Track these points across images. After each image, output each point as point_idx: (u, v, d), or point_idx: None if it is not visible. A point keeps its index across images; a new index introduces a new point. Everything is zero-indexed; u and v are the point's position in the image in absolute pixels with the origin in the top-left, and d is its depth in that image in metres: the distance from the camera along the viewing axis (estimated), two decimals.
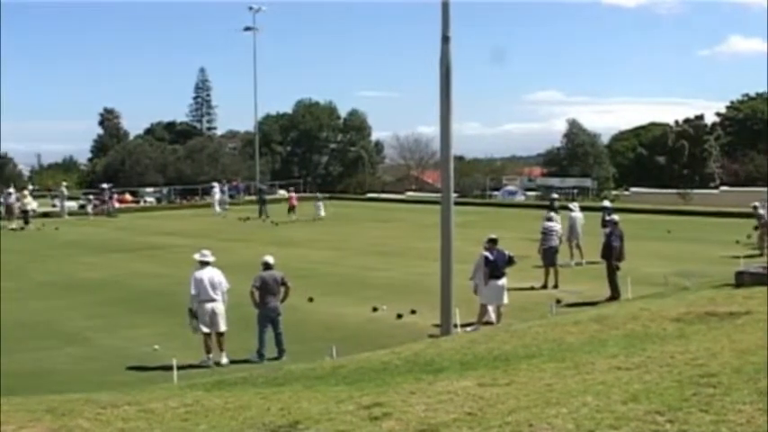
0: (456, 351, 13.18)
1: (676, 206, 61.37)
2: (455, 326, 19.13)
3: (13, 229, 51.29)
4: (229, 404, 9.42)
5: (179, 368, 15.96)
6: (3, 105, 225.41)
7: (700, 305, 16.10)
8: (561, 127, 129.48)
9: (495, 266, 21.26)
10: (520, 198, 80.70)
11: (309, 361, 15.07)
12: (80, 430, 8.40)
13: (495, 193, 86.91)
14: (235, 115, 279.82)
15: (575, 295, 24.93)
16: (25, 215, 53.03)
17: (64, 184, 71.19)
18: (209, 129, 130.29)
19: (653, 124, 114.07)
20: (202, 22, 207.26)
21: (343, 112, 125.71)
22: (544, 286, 26.61)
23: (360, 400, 8.52)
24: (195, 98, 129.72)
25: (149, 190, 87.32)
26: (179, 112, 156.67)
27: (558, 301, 23.29)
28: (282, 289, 19.10)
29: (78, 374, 17.38)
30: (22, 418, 9.01)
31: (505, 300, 21.49)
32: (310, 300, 24.34)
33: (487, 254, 21.38)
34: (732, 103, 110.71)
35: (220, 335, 18.40)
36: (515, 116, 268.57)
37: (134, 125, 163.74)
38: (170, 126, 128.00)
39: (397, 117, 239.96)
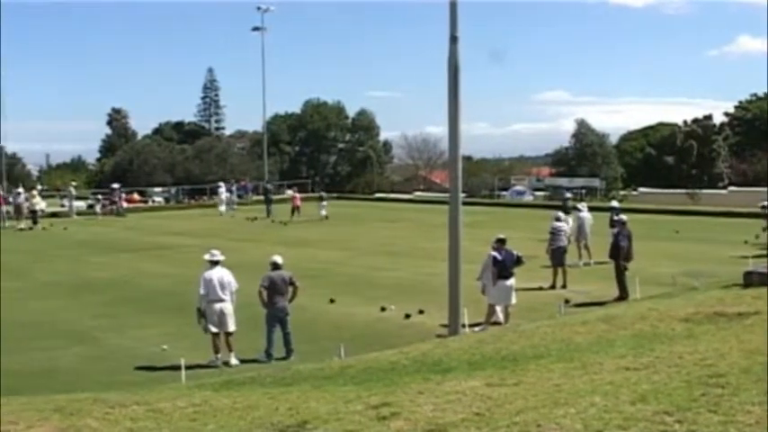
0: (464, 351, 13.17)
1: (685, 206, 61.21)
2: (463, 326, 19.11)
3: (21, 229, 51.41)
4: (238, 404, 9.43)
5: (187, 368, 15.99)
6: (11, 105, 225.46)
7: (708, 305, 16.07)
8: (569, 127, 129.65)
9: (504, 266, 21.26)
10: (528, 198, 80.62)
11: (318, 361, 15.06)
12: (88, 430, 8.41)
13: (504, 193, 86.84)
14: (243, 115, 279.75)
15: (583, 295, 24.92)
16: (34, 215, 53.12)
17: (72, 183, 71.29)
18: (217, 129, 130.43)
19: (661, 124, 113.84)
20: (211, 22, 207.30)
21: (351, 111, 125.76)
22: (552, 286, 26.60)
23: (368, 400, 8.52)
24: (203, 98, 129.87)
25: (158, 190, 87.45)
26: (187, 112, 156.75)
27: (567, 302, 23.27)
28: (291, 289, 19.11)
29: (86, 374, 17.41)
30: (31, 418, 9.02)
31: (514, 300, 21.49)
32: (332, 301, 24.38)
33: (496, 254, 21.39)
34: (740, 102, 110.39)
35: (229, 335, 18.41)
36: (523, 116, 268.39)
37: (142, 125, 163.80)
38: (178, 126, 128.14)
39: (406, 117, 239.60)
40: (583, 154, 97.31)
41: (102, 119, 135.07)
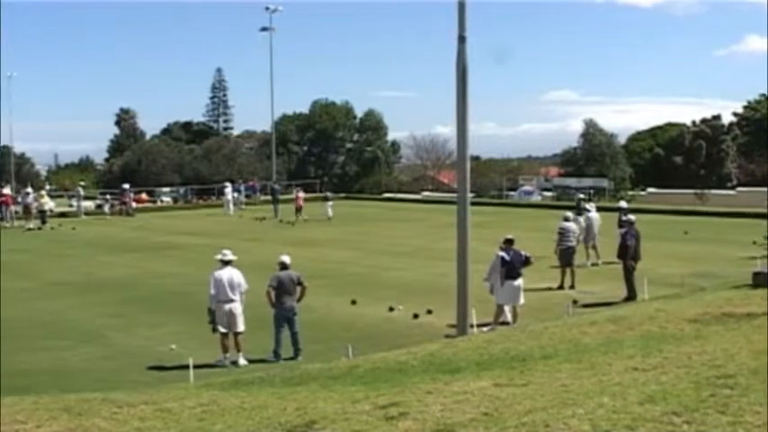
0: (472, 351, 13.17)
1: (693, 206, 61.08)
2: (471, 326, 19.11)
3: (30, 229, 51.46)
4: (246, 404, 9.43)
5: (195, 368, 15.98)
6: (20, 106, 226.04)
7: (717, 306, 16.06)
8: (577, 127, 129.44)
9: (512, 267, 21.26)
10: (536, 198, 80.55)
11: (326, 361, 15.07)
12: (96, 429, 8.42)
13: (512, 193, 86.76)
14: (251, 115, 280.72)
15: (591, 296, 24.89)
16: (42, 215, 53.17)
17: (81, 183, 71.39)
18: (225, 129, 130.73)
19: (669, 124, 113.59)
20: (219, 22, 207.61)
21: (359, 111, 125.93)
22: (560, 287, 26.58)
23: (376, 400, 8.52)
24: (212, 98, 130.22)
25: (166, 189, 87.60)
26: (196, 112, 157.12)
27: (575, 302, 23.26)
28: (299, 289, 19.12)
29: (95, 373, 17.44)
30: (40, 417, 9.03)
31: (522, 300, 21.48)
32: (353, 302, 24.30)
33: (504, 254, 21.39)
34: (749, 102, 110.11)
35: (238, 335, 18.42)
36: (532, 116, 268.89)
37: (151, 125, 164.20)
38: (187, 126, 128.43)
39: (414, 117, 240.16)
40: (591, 154, 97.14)
41: (111, 119, 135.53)
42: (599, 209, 34.89)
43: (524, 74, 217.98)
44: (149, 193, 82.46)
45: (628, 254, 24.53)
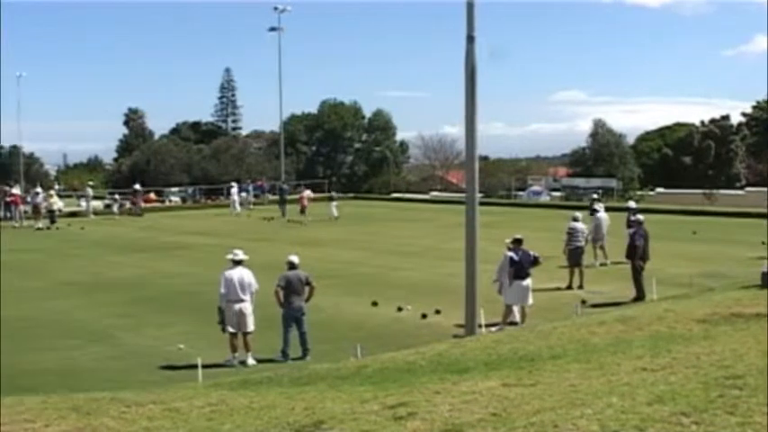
0: (480, 351, 13.17)
1: (702, 207, 61.00)
2: (479, 326, 19.10)
3: (39, 229, 51.60)
4: (254, 403, 9.44)
5: (204, 367, 15.99)
6: (29, 105, 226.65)
7: (725, 306, 16.04)
8: (586, 127, 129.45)
9: (521, 267, 21.25)
10: (545, 198, 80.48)
11: (334, 360, 15.07)
12: (105, 429, 8.43)
13: (520, 193, 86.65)
14: (260, 115, 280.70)
15: (599, 296, 24.88)
16: (51, 215, 53.31)
17: (90, 183, 71.50)
18: (234, 129, 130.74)
19: (678, 124, 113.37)
20: (228, 22, 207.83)
21: (367, 111, 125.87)
22: (569, 287, 26.56)
23: (384, 400, 8.52)
24: (220, 98, 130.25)
25: (174, 189, 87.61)
26: (204, 112, 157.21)
27: (583, 302, 23.26)
28: (307, 289, 19.11)
29: (103, 373, 17.47)
30: (49, 416, 9.05)
31: (530, 300, 21.47)
32: (374, 304, 24.25)
33: (512, 254, 21.38)
34: (758, 102, 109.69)
35: (247, 334, 18.43)
36: (540, 116, 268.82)
37: (160, 125, 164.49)
38: (195, 126, 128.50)
39: (422, 117, 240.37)
40: (600, 154, 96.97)
41: (119, 119, 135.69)
42: (607, 209, 34.85)
43: (533, 74, 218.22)
44: (157, 193, 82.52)
45: (636, 254, 24.51)
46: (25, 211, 56.11)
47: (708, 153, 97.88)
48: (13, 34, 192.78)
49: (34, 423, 8.69)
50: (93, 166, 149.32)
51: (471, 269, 18.87)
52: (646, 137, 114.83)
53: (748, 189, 78.95)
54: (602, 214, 32.31)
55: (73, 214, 60.75)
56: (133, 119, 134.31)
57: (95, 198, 67.19)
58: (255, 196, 73.11)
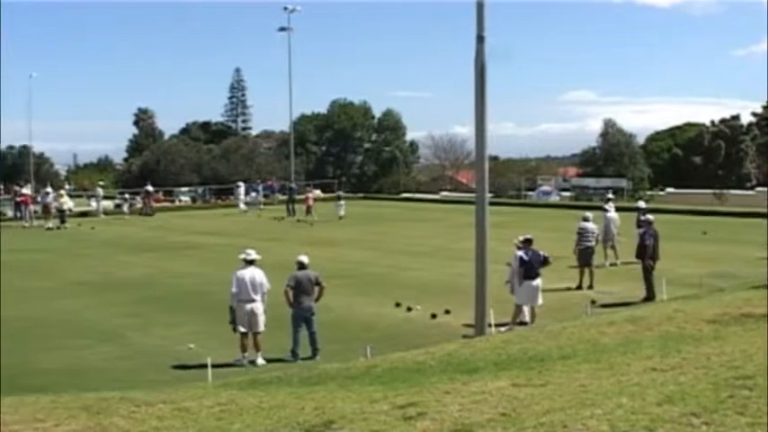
0: (490, 351, 13.16)
1: (712, 207, 60.88)
2: (489, 326, 19.09)
3: (49, 229, 51.68)
4: (264, 403, 9.43)
5: (214, 367, 15.99)
6: (39, 105, 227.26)
7: (735, 306, 16.01)
8: (596, 127, 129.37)
9: (531, 267, 21.24)
10: (555, 198, 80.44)
11: (344, 360, 15.06)
12: (115, 428, 8.44)
13: (530, 193, 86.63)
14: (270, 115, 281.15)
15: (609, 296, 24.85)
16: (62, 214, 53.36)
17: (100, 183, 71.68)
18: (244, 129, 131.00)
19: (688, 124, 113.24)
20: (237, 22, 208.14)
21: (377, 111, 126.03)
22: (579, 287, 26.53)
23: (394, 400, 8.51)
24: (231, 98, 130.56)
25: (184, 189, 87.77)
26: (214, 112, 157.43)
27: (593, 302, 23.24)
28: (317, 289, 19.11)
29: (113, 372, 17.50)
30: (59, 416, 9.06)
31: (540, 300, 21.46)
32: (397, 305, 24.03)
33: (522, 254, 21.37)
34: None
35: (257, 334, 18.43)
36: (550, 116, 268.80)
37: (170, 125, 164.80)
38: (205, 126, 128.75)
39: (432, 117, 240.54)
40: (610, 154, 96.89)
41: (129, 119, 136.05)
42: (618, 209, 34.79)
43: (543, 74, 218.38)
44: (167, 193, 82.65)
45: (646, 254, 24.49)
46: (35, 211, 56.24)
47: (718, 153, 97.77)
48: (23, 34, 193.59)
49: (44, 422, 8.70)
50: (103, 166, 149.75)
51: (481, 269, 18.87)
52: (656, 137, 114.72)
53: (758, 189, 78.72)
54: (612, 214, 32.29)
55: (83, 214, 60.85)
56: (143, 119, 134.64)
57: (105, 198, 67.35)
58: (265, 196, 73.14)
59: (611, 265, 30.88)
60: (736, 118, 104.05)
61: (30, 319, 23.20)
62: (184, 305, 25.21)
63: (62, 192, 58.94)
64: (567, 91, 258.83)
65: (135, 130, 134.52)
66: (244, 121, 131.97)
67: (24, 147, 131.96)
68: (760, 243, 35.09)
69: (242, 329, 18.27)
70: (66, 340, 20.64)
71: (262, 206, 67.13)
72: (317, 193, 76.27)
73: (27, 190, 64.72)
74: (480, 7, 18.68)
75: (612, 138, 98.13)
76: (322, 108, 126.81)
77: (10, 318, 23.04)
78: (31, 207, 56.53)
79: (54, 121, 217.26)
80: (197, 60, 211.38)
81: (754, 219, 49.78)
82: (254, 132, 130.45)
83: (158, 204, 69.98)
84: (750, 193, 77.73)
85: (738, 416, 6.76)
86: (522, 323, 20.87)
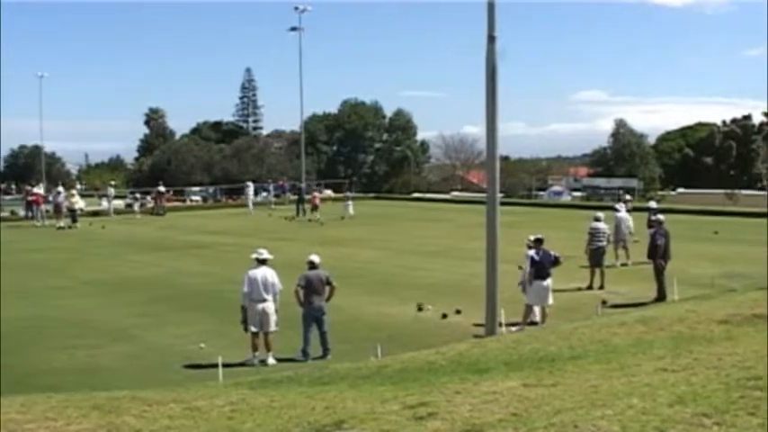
0: (501, 351, 13.14)
1: (723, 207, 60.81)
2: (500, 325, 19.08)
3: (60, 228, 51.78)
4: (275, 403, 9.44)
5: (224, 366, 16.02)
6: (51, 105, 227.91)
7: (747, 307, 15.95)
8: (607, 127, 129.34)
9: (541, 267, 21.23)
10: (566, 198, 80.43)
11: (354, 360, 15.06)
12: (126, 427, 8.44)
13: (541, 193, 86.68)
14: (281, 115, 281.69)
15: (620, 296, 24.82)
16: (73, 214, 53.47)
17: (111, 183, 71.84)
18: (255, 128, 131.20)
19: (700, 124, 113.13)
20: (248, 22, 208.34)
21: (388, 111, 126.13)
22: (590, 287, 26.49)
23: (405, 400, 8.51)
24: (241, 98, 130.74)
25: (195, 189, 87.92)
26: (225, 111, 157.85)
27: (604, 302, 23.20)
28: (327, 288, 19.11)
29: (124, 372, 17.53)
30: (70, 415, 9.07)
31: (551, 300, 21.44)
32: (420, 309, 23.89)
33: (533, 254, 21.36)
34: None
35: (268, 334, 18.43)
36: (560, 116, 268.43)
37: (180, 125, 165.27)
38: (216, 126, 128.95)
39: (443, 117, 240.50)
40: (621, 154, 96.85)
41: (140, 118, 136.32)
42: (629, 209, 34.75)
43: (553, 74, 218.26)
44: (177, 193, 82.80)
45: (657, 254, 24.45)
46: (47, 211, 56.38)
47: (729, 153, 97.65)
48: (34, 34, 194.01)
49: (56, 421, 8.71)
50: (114, 165, 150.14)
51: (492, 269, 18.86)
52: (667, 137, 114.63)
53: None
54: (623, 214, 32.25)
55: (94, 213, 61.00)
56: (154, 118, 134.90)
57: (117, 197, 67.53)
58: (276, 196, 73.30)
59: (623, 265, 30.85)
60: (747, 118, 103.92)
61: (41, 318, 23.25)
62: (195, 305, 25.23)
63: (73, 191, 59.15)
64: (578, 91, 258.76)
65: (146, 130, 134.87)
66: (255, 121, 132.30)
67: (36, 146, 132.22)
68: None
69: (253, 329, 18.27)
70: (77, 339, 20.66)
71: (273, 206, 67.27)
72: (328, 192, 76.48)
73: (39, 189, 64.94)
74: (491, 7, 18.68)
75: (623, 138, 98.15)
76: (333, 108, 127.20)
77: (21, 317, 23.13)
78: (43, 206, 56.69)
79: (65, 121, 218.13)
80: (208, 60, 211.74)
81: (766, 219, 49.65)
82: (264, 132, 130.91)
83: (169, 204, 70.15)
84: (761, 193, 77.59)
85: (750, 416, 6.75)
86: (533, 323, 20.86)
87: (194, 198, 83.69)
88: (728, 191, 74.99)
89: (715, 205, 61.46)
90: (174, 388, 12.85)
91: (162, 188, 65.46)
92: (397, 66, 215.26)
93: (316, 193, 61.37)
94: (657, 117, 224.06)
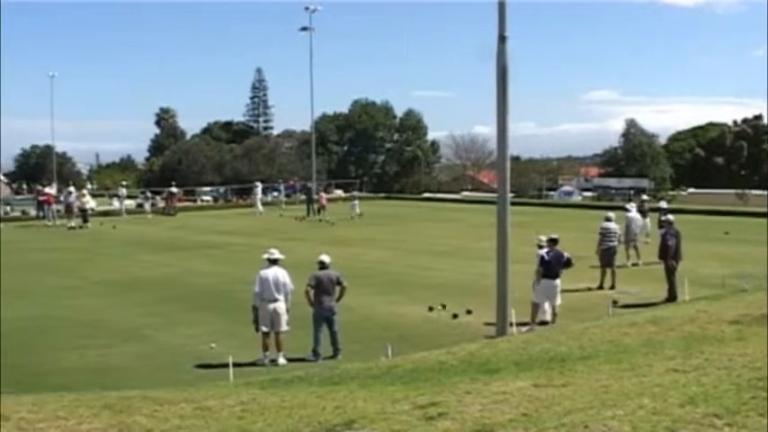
0: (511, 351, 13.13)
1: (734, 207, 60.71)
2: (510, 325, 19.07)
3: (72, 228, 51.87)
4: (285, 402, 9.44)
5: (235, 366, 16.06)
6: (62, 105, 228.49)
7: (758, 307, 15.92)
8: (617, 127, 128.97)
9: (551, 266, 21.23)
10: (576, 198, 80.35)
11: (365, 360, 15.06)
12: (137, 426, 8.45)
13: (552, 193, 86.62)
14: (291, 115, 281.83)
15: (631, 296, 24.80)
16: (84, 214, 53.56)
17: (123, 183, 72.00)
18: (265, 128, 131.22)
19: (711, 124, 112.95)
20: (259, 22, 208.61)
21: (399, 111, 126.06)
22: (600, 287, 26.47)
23: (415, 400, 8.51)
24: (252, 98, 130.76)
25: (206, 189, 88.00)
26: (236, 111, 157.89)
27: (615, 302, 23.15)
28: (338, 288, 19.11)
29: (135, 371, 17.56)
30: (81, 414, 9.09)
31: (558, 300, 21.43)
32: (430, 309, 23.77)
33: (543, 253, 21.37)
34: None
35: (279, 334, 18.44)
36: (571, 116, 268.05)
37: (191, 125, 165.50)
38: (227, 126, 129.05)
39: (454, 117, 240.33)
40: (631, 154, 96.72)
41: (151, 118, 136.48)
42: (645, 210, 34.74)
43: (564, 74, 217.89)
44: (188, 193, 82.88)
45: (668, 254, 24.43)
46: (58, 210, 56.53)
47: (740, 153, 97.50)
48: (46, 34, 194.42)
49: (67, 420, 8.73)
50: (125, 165, 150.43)
51: (502, 269, 18.84)
52: (678, 137, 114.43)
53: None
54: (633, 214, 32.21)
55: (105, 213, 61.12)
56: (165, 119, 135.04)
57: (128, 197, 67.66)
58: (287, 196, 73.36)
59: (633, 265, 30.81)
60: (758, 118, 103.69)
61: (51, 317, 23.30)
62: (206, 304, 25.26)
63: (84, 191, 59.32)
64: (589, 91, 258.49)
65: (157, 130, 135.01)
66: (265, 121, 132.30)
67: (47, 146, 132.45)
68: None
69: (264, 329, 18.29)
70: (88, 339, 20.71)
71: (284, 206, 67.34)
72: (338, 192, 76.53)
73: (50, 189, 65.10)
74: (502, 7, 18.66)
75: (634, 138, 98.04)
76: (343, 108, 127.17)
77: (32, 316, 23.22)
78: (54, 206, 56.80)
79: (76, 121, 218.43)
80: (219, 60, 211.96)
81: None
82: (275, 132, 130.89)
83: (180, 204, 70.24)
84: None
85: (760, 417, 6.74)
86: (543, 323, 20.87)
87: (205, 198, 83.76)
88: (739, 191, 74.89)
89: (726, 205, 61.35)
90: (185, 388, 12.87)
91: (174, 189, 65.59)
92: (407, 66, 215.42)
93: (322, 194, 61.45)
94: (668, 117, 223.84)
